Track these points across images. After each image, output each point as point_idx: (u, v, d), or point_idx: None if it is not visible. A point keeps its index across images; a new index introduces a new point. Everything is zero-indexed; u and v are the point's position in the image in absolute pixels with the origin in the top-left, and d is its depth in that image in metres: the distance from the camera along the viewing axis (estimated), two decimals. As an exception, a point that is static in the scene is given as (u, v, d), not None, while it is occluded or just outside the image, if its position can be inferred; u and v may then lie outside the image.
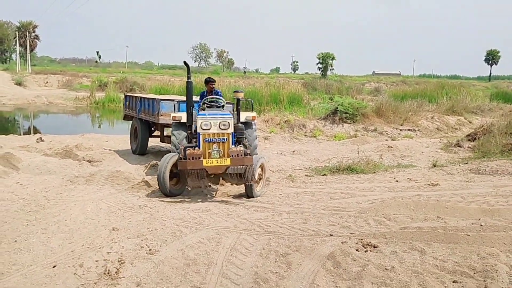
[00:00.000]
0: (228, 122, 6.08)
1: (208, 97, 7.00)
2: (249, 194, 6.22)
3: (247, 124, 7.39)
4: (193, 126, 6.80)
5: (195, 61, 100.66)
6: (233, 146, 6.15)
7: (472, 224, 4.78)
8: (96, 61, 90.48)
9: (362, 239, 4.20)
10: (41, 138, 11.63)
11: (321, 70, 77.23)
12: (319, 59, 77.19)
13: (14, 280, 3.40)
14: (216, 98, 6.95)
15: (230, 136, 6.14)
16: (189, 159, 5.86)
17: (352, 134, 14.57)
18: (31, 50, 68.22)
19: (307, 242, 4.19)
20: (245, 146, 6.81)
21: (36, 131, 15.66)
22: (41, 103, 30.12)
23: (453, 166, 8.65)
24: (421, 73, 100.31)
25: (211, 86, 7.36)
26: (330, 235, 4.44)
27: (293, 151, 11.33)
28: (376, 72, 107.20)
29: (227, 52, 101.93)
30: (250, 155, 6.25)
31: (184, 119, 7.19)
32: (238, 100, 6.96)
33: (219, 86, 28.57)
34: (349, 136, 14.27)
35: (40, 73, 54.05)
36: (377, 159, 9.14)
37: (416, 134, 15.19)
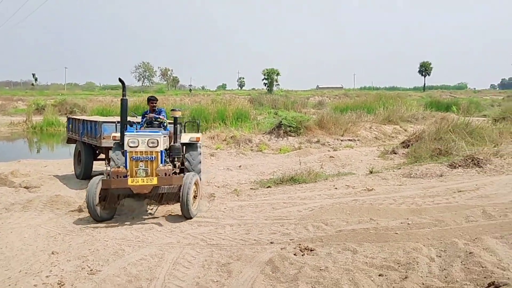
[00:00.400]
0: (157, 140, 5.88)
1: (148, 115, 6.96)
2: (185, 215, 5.89)
3: (191, 146, 7.24)
4: None
5: (138, 80, 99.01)
6: (161, 165, 5.92)
7: (401, 223, 5.19)
8: (32, 84, 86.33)
9: (300, 244, 4.43)
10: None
11: (267, 85, 78.94)
12: (264, 75, 78.98)
13: None
14: (157, 117, 6.91)
15: (159, 154, 5.92)
16: (113, 177, 5.62)
17: (296, 146, 15.02)
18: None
19: (248, 251, 4.35)
20: (183, 168, 6.75)
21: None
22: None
23: (387, 172, 9.23)
24: (362, 86, 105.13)
25: (153, 104, 7.26)
26: (271, 242, 4.64)
27: (239, 166, 11.50)
28: (319, 86, 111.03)
29: (171, 70, 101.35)
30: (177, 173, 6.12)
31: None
32: (175, 119, 6.92)
33: (164, 104, 28.42)
34: (294, 148, 14.69)
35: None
36: (318, 169, 9.52)
37: (356, 144, 15.92)
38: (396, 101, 30.11)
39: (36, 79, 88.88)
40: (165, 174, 5.69)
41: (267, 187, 8.27)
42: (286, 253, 4.16)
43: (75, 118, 10.82)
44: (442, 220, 5.20)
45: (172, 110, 7.10)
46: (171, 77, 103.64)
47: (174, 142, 6.78)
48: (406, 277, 3.36)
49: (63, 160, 12.17)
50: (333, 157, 12.27)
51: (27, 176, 9.97)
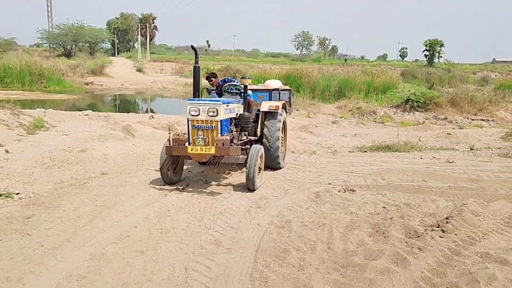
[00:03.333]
0: (217, 109, 5.76)
1: (226, 84, 7.19)
2: (250, 187, 5.93)
3: (271, 114, 7.13)
4: None
5: (297, 49, 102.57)
6: (220, 134, 5.84)
7: (447, 185, 6.24)
8: (206, 50, 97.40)
9: (348, 187, 6.02)
10: (152, 116, 14.85)
11: (427, 57, 73.95)
12: (426, 46, 73.95)
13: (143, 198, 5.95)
14: (236, 85, 7.14)
15: (219, 124, 5.83)
16: (174, 144, 5.85)
17: (421, 121, 15.42)
18: (150, 40, 76.55)
19: (308, 185, 6.15)
20: (260, 137, 7.07)
21: (150, 110, 19.35)
22: (156, 88, 34.87)
23: (487, 150, 9.58)
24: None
25: (211, 81, 7.38)
26: (329, 183, 6.32)
27: (355, 134, 12.87)
28: (496, 60, 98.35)
29: (329, 39, 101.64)
30: (250, 145, 6.29)
31: None
32: (245, 87, 6.89)
33: (319, 72, 29.99)
34: (417, 123, 15.18)
35: (157, 60, 61.07)
36: (414, 141, 10.36)
37: (490, 124, 15.42)
38: None
39: (209, 46, 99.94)
40: (223, 144, 5.68)
41: (363, 152, 9.65)
42: (332, 189, 5.83)
43: None
44: (485, 188, 6.07)
45: (242, 78, 7.14)
46: (329, 46, 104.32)
47: (244, 111, 6.83)
48: (401, 216, 4.67)
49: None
50: (450, 134, 12.62)
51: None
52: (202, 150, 5.69)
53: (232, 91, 7.18)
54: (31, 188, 5.73)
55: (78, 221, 4.39)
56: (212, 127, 5.83)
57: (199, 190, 5.95)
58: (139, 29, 75.54)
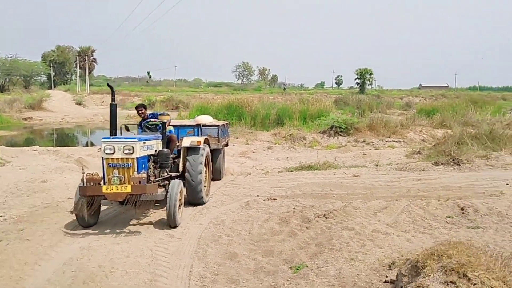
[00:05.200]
0: (133, 147, 5.69)
1: (147, 121, 7.27)
2: (171, 223, 5.89)
3: (193, 149, 7.19)
4: None
5: (238, 78, 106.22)
6: (137, 172, 5.74)
7: (346, 192, 8.16)
8: (147, 81, 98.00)
9: (271, 197, 7.75)
10: (100, 148, 15.98)
11: (359, 85, 79.88)
12: (357, 74, 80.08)
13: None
14: (156, 121, 7.17)
15: (135, 161, 5.73)
16: (87, 184, 5.70)
17: (343, 144, 17.78)
18: (89, 72, 76.19)
19: (241, 197, 7.80)
20: (183, 173, 7.13)
21: (95, 144, 20.29)
22: (98, 121, 35.28)
23: (388, 166, 11.84)
24: (472, 85, 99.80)
25: (142, 112, 7.46)
26: (257, 195, 8.01)
27: (287, 157, 14.81)
28: (422, 85, 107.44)
29: (269, 69, 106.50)
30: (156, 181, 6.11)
31: None
32: (164, 123, 6.96)
33: (259, 102, 32.05)
34: (340, 146, 17.51)
35: (97, 93, 60.97)
36: (332, 161, 12.47)
37: (400, 145, 18.08)
38: (491, 104, 30.19)
39: (150, 76, 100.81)
40: (139, 182, 5.58)
41: (290, 171, 11.53)
42: (258, 199, 7.53)
43: None
44: (374, 193, 8.07)
45: (161, 114, 7.23)
46: (269, 76, 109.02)
47: (163, 147, 6.90)
48: (302, 211, 6.43)
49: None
50: (365, 154, 14.94)
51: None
52: (117, 189, 5.55)
53: (152, 127, 7.16)
54: (10, 212, 6.89)
55: (63, 229, 5.71)
56: (128, 165, 5.72)
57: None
58: (78, 61, 75.07)
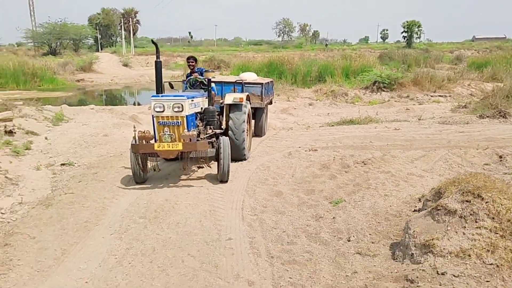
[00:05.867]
0: (182, 104, 5.76)
1: (192, 78, 7.33)
2: (222, 178, 6.07)
3: (236, 107, 7.24)
4: None
5: (278, 36, 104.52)
6: (187, 130, 5.84)
7: (386, 144, 8.48)
8: (189, 41, 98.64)
9: (312, 148, 8.22)
10: (150, 107, 16.94)
11: (406, 39, 76.60)
12: (404, 27, 76.59)
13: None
14: (200, 78, 7.21)
15: (185, 119, 5.83)
16: (140, 142, 5.81)
17: (386, 100, 17.72)
18: (134, 34, 77.76)
19: (284, 149, 8.34)
20: (226, 130, 7.15)
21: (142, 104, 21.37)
22: (145, 82, 36.47)
23: (431, 119, 11.90)
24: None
25: (190, 64, 7.46)
26: (299, 147, 8.52)
27: (328, 113, 15.10)
28: (476, 37, 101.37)
29: (310, 25, 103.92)
30: (212, 138, 6.29)
31: None
32: (209, 80, 6.95)
33: (300, 59, 31.95)
34: (383, 101, 17.47)
35: (141, 54, 62.46)
36: (374, 116, 12.64)
37: (447, 100, 17.76)
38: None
39: (192, 37, 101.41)
40: (190, 140, 5.69)
41: (331, 126, 11.88)
42: (300, 150, 8.02)
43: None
44: (414, 144, 8.34)
45: (206, 71, 7.19)
46: (310, 32, 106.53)
47: (208, 105, 6.96)
48: (342, 159, 6.89)
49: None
50: (408, 109, 14.94)
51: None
52: (169, 147, 5.67)
53: (196, 84, 7.25)
54: (82, 160, 7.84)
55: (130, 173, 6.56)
56: (178, 122, 5.80)
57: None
58: (122, 23, 76.61)
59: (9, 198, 5.87)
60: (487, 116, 11.04)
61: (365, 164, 6.07)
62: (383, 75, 18.83)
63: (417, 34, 77.32)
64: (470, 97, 18.52)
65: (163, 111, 5.77)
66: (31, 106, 12.70)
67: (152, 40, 6.67)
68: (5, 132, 10.01)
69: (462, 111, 13.90)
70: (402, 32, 76.73)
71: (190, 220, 4.60)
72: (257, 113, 9.57)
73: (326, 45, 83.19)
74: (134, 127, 6.33)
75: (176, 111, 5.75)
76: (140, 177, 6.10)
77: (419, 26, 76.03)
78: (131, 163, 5.98)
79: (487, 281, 2.33)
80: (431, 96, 18.11)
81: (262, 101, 9.32)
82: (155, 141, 5.91)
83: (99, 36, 76.89)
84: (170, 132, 5.83)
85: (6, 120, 10.91)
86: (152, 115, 5.92)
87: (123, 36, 74.65)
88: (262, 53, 55.61)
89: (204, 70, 7.56)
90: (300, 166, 6.51)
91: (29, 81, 30.33)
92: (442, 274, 2.47)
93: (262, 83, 9.37)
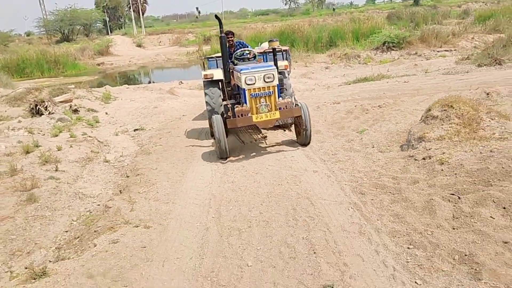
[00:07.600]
0: (273, 74, 5.84)
1: (238, 50, 7.27)
2: (308, 142, 6.33)
3: (281, 73, 7.31)
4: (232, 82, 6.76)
5: (285, 4, 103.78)
6: (279, 98, 6.00)
7: (397, 93, 10.11)
8: (196, 16, 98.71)
9: (335, 101, 9.91)
10: (181, 82, 18.63)
11: (413, -4, 75.88)
12: (410, -16, 75.65)
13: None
14: (247, 50, 7.23)
15: (276, 88, 5.93)
16: (238, 116, 5.85)
17: (396, 58, 19.11)
18: (143, 14, 78.56)
19: (311, 104, 10.03)
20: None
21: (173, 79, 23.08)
22: (162, 60, 37.96)
23: (436, 72, 13.41)
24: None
25: (230, 38, 7.45)
26: (324, 102, 10.21)
27: (344, 74, 16.64)
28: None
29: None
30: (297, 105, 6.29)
31: (216, 76, 7.15)
32: (274, 49, 6.86)
33: (308, 26, 32.79)
34: (393, 60, 18.89)
35: (152, 34, 63.54)
36: (385, 73, 14.18)
37: (452, 53, 19.07)
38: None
39: (199, 12, 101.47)
40: (285, 107, 5.84)
41: (348, 84, 13.48)
42: (326, 103, 9.73)
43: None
44: (420, 92, 9.94)
45: (270, 41, 7.01)
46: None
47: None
48: (362, 106, 8.61)
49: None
50: (417, 65, 16.37)
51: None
52: (267, 117, 5.81)
53: (244, 56, 7.15)
54: (149, 125, 9.70)
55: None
56: (270, 92, 5.89)
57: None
58: (131, 4, 77.41)
59: (109, 154, 7.78)
60: (485, 65, 12.53)
61: (380, 107, 7.79)
62: (392, 35, 20.15)
63: (424, -10, 76.28)
64: (474, 49, 19.75)
65: (254, 83, 5.86)
66: (82, 89, 14.57)
67: (215, 15, 6.68)
68: (72, 111, 11.95)
69: (464, 62, 15.28)
70: (409, -11, 75.95)
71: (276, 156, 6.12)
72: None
73: (334, 9, 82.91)
74: (228, 103, 6.49)
75: (267, 82, 5.88)
76: (226, 152, 6.17)
77: (426, -18, 75.00)
78: (216, 140, 6.05)
79: (453, 148, 4.08)
80: (438, 51, 19.41)
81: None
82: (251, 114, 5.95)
83: (107, 19, 77.96)
84: (266, 102, 5.94)
85: (67, 102, 12.87)
86: (244, 88, 5.94)
87: (133, 17, 75.61)
88: (271, 23, 56.08)
89: (244, 42, 7.96)
90: (329, 114, 8.26)
91: (52, 68, 31.45)
92: (429, 149, 4.23)
93: (287, 49, 10.32)
